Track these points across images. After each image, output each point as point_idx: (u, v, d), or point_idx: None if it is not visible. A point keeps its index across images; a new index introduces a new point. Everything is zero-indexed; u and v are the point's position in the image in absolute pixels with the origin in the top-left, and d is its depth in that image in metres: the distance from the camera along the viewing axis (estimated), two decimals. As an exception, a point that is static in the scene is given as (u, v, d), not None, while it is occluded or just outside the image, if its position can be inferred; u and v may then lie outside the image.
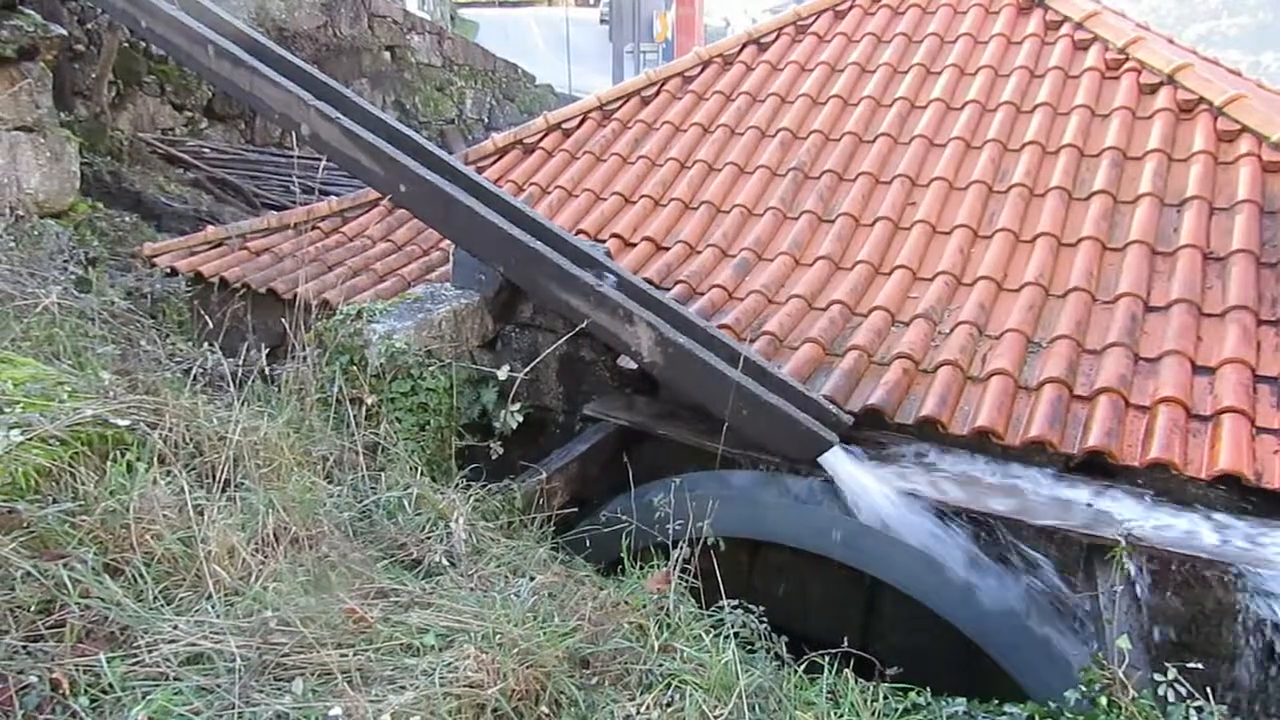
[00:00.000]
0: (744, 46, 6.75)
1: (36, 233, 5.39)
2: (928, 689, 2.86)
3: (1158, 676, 2.84)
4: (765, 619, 2.98)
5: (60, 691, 2.13)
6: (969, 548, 3.65)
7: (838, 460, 3.85)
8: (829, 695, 2.71)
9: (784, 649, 2.91)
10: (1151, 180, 4.80)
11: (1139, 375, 3.95)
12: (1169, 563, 3.54)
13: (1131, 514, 3.56)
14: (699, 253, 5.26)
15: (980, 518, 3.69)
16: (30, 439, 2.55)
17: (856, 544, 3.82)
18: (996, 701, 2.93)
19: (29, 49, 5.71)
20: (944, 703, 2.84)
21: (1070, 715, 2.80)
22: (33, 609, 2.29)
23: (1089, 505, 3.63)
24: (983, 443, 3.91)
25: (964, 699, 2.86)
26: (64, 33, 6.19)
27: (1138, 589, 3.43)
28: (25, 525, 2.41)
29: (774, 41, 6.73)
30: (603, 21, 25.02)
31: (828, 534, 3.86)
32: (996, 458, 3.90)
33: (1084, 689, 2.84)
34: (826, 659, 2.81)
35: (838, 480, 3.85)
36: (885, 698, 2.74)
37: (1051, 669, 3.40)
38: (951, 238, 4.89)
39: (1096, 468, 3.77)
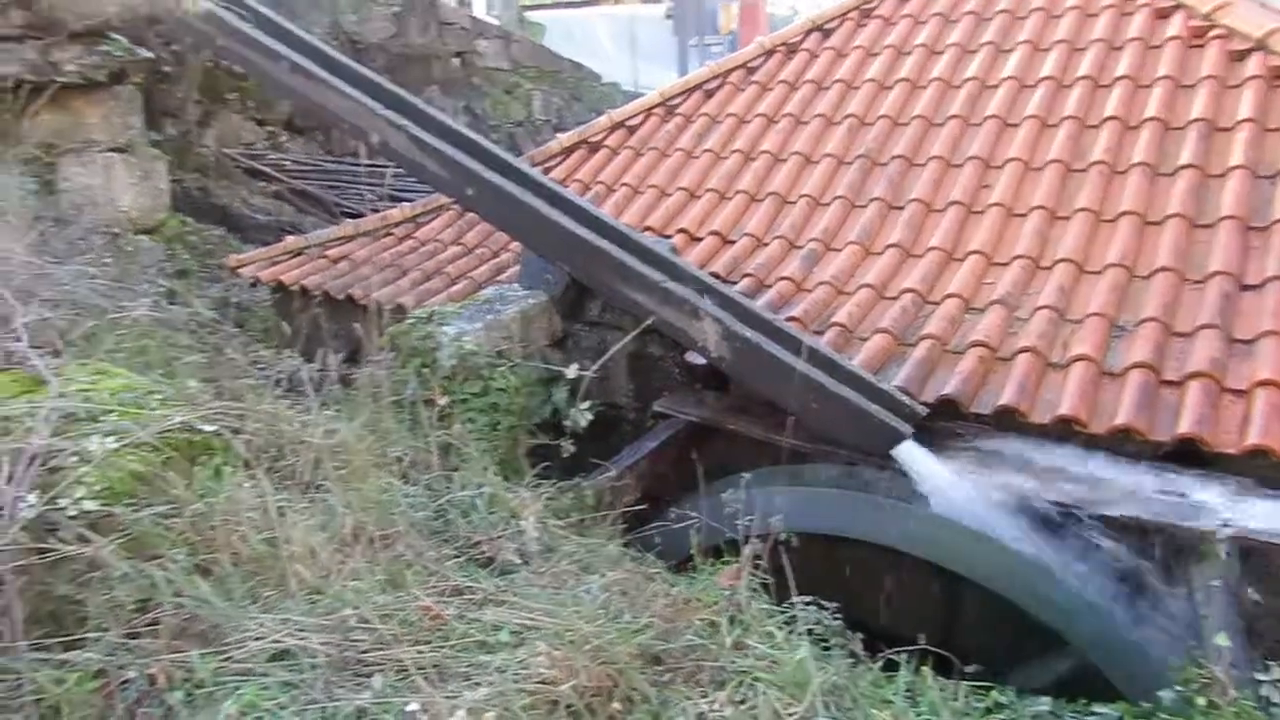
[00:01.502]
0: (807, 34, 6.65)
1: (130, 248, 5.66)
2: (1011, 687, 2.78)
3: (1260, 676, 2.70)
4: (839, 615, 2.94)
5: (157, 686, 2.24)
6: (1053, 540, 3.53)
7: (912, 452, 3.77)
8: (907, 693, 2.66)
9: (859, 646, 2.86)
10: (1243, 152, 4.55)
11: (1234, 358, 3.76)
12: (1270, 555, 3.36)
13: (1228, 504, 3.39)
14: (766, 245, 5.21)
15: (1064, 509, 3.56)
16: (125, 445, 2.67)
17: (933, 538, 3.74)
18: (1084, 701, 2.84)
19: (119, 73, 5.99)
20: (1028, 702, 2.76)
21: (1165, 716, 2.69)
22: (130, 607, 2.41)
23: (1182, 496, 3.47)
24: (1065, 432, 3.78)
25: (1049, 698, 2.77)
26: (151, 56, 6.48)
27: (1236, 583, 3.27)
28: (122, 528, 2.53)
29: (838, 27, 6.61)
30: (668, 17, 24.94)
31: (903, 528, 3.79)
32: (1080, 447, 3.76)
33: (1179, 688, 2.72)
34: (903, 656, 2.75)
35: (912, 472, 3.77)
36: (965, 696, 2.68)
37: (1144, 667, 3.27)
38: (1028, 220, 4.73)
39: (1189, 456, 3.60)
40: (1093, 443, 3.74)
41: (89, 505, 2.48)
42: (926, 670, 2.73)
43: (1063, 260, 4.43)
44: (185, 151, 9.11)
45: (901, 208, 5.12)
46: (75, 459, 2.58)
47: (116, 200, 6.07)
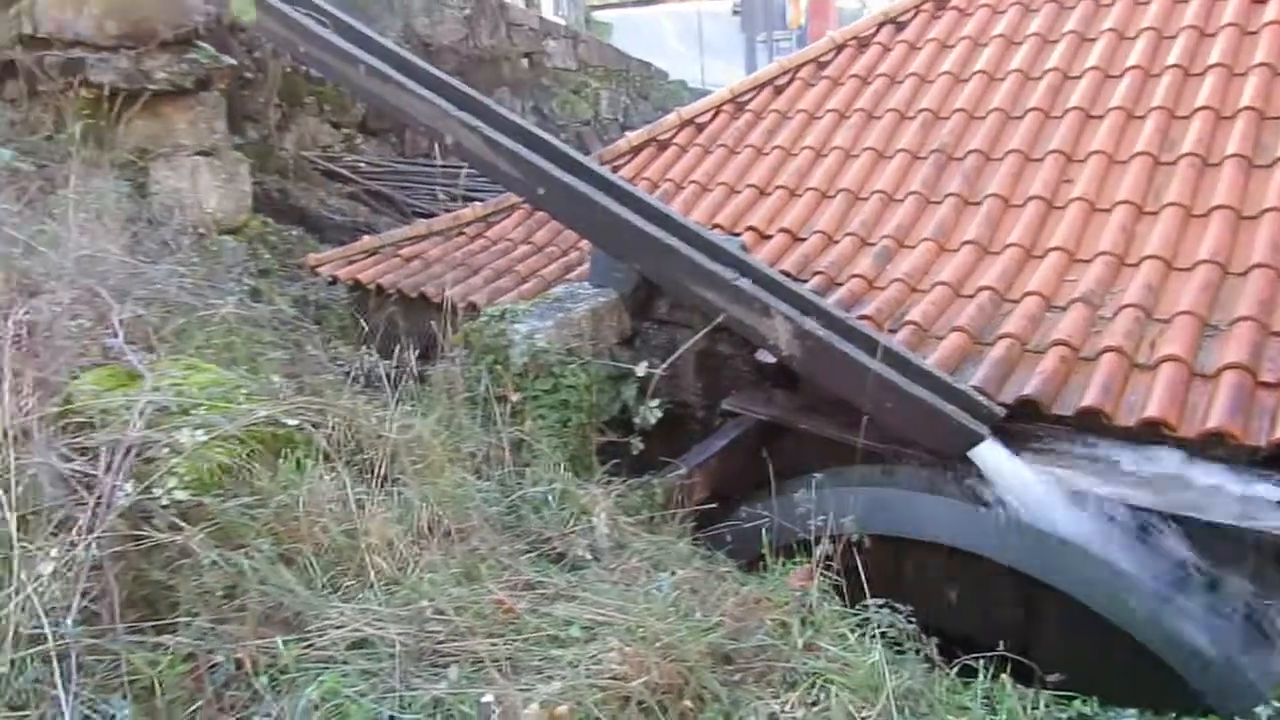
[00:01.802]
0: (880, 27, 6.53)
1: (215, 248, 5.86)
2: (1094, 698, 2.69)
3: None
4: (914, 619, 2.88)
5: (243, 670, 2.32)
6: (1138, 547, 3.41)
7: (990, 454, 3.68)
8: (984, 700, 2.60)
9: (934, 651, 2.81)
10: (1349, 142, 4.33)
11: (1337, 359, 3.58)
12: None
13: (1331, 512, 3.22)
14: (837, 242, 5.14)
15: (1149, 514, 3.44)
16: (213, 438, 2.77)
17: (1011, 542, 3.64)
18: (1174, 715, 2.73)
19: (205, 79, 6.21)
20: (1113, 713, 2.67)
21: (1260, 732, 2.57)
22: (219, 594, 2.50)
23: (1278, 503, 3.31)
24: (1152, 435, 3.64)
25: (1134, 710, 2.68)
26: (234, 62, 6.71)
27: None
28: (211, 517, 2.62)
29: (912, 19, 6.47)
30: (735, 13, 24.81)
31: (980, 531, 3.70)
32: (1168, 451, 3.62)
33: (1277, 705, 2.59)
34: (981, 662, 2.69)
35: (990, 475, 3.68)
36: (1046, 705, 2.60)
37: (1239, 682, 3.13)
38: (1113, 215, 4.57)
39: (1287, 461, 3.44)
40: (1182, 446, 3.60)
41: (180, 495, 2.59)
42: (1005, 678, 2.66)
43: (1150, 257, 4.27)
44: (266, 154, 9.40)
45: (978, 203, 4.99)
46: (167, 450, 2.68)
47: (203, 202, 6.29)
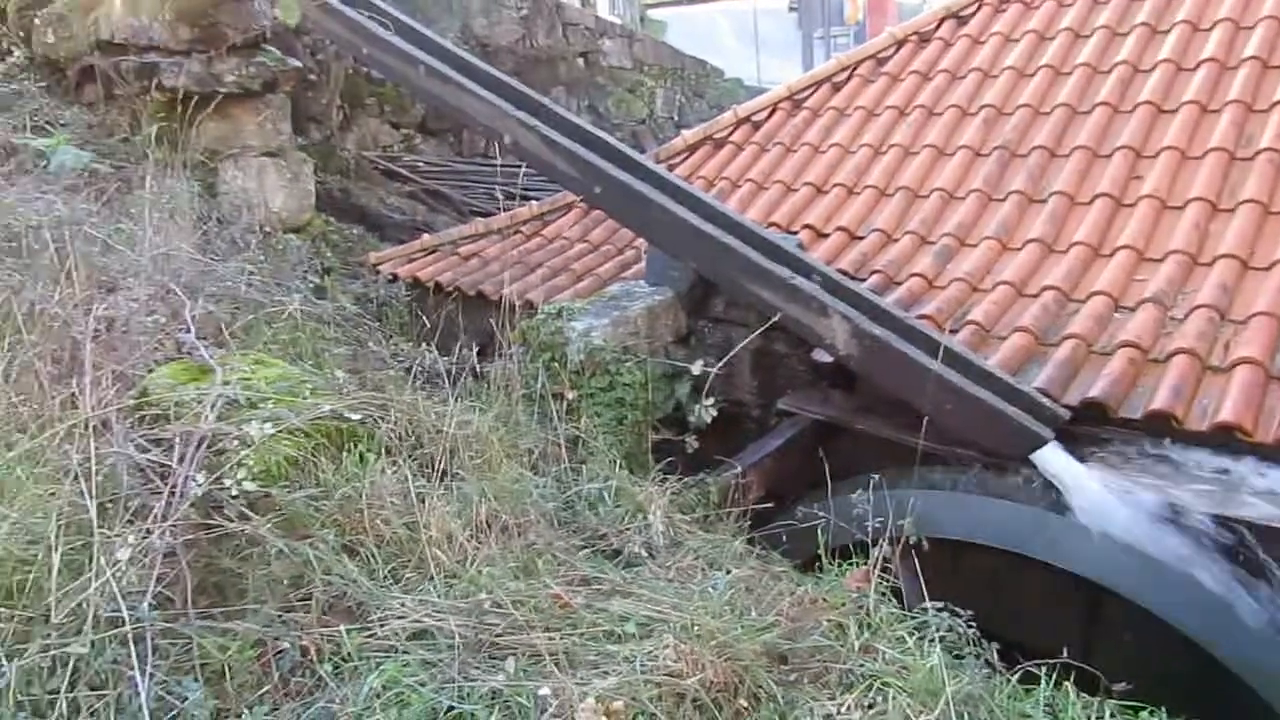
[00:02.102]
0: (941, 22, 6.43)
1: (280, 246, 6.01)
2: (1162, 709, 2.62)
3: None
4: (973, 624, 2.84)
5: (309, 658, 2.38)
6: (1211, 555, 3.30)
7: (1053, 457, 3.60)
8: (1046, 708, 2.54)
9: (995, 656, 2.76)
10: None
11: None
12: None
13: None
14: (896, 241, 5.07)
15: (1226, 523, 3.32)
16: (280, 431, 2.85)
17: (1076, 548, 3.56)
18: (1246, 727, 2.64)
19: (271, 82, 6.36)
20: (1182, 725, 2.60)
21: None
22: (285, 582, 2.57)
23: (1362, 512, 3.18)
24: (1225, 440, 3.52)
25: (1205, 722, 2.60)
26: (299, 65, 6.86)
27: None
28: (278, 508, 2.70)
29: (975, 13, 6.36)
30: (791, 9, 24.58)
31: (1042, 536, 3.62)
32: (1242, 456, 3.50)
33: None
34: (1043, 669, 2.63)
35: (1053, 478, 3.60)
36: (1111, 715, 2.54)
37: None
38: (1185, 213, 4.43)
39: (1371, 469, 3.30)
40: (1257, 452, 3.48)
41: (249, 486, 2.67)
42: (1068, 686, 2.60)
43: (1225, 256, 4.13)
44: (329, 155, 9.60)
45: (1043, 201, 4.88)
46: (237, 442, 2.77)
47: (269, 201, 6.45)
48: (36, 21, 6.22)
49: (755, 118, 6.46)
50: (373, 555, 2.71)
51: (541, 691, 2.23)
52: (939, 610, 2.85)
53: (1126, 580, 3.47)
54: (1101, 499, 3.45)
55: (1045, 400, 3.73)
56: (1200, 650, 3.35)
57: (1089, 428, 3.78)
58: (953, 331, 4.24)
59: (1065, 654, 2.70)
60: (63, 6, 6.18)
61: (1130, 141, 4.90)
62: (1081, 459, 3.63)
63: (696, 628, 2.50)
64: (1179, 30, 5.39)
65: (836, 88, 6.38)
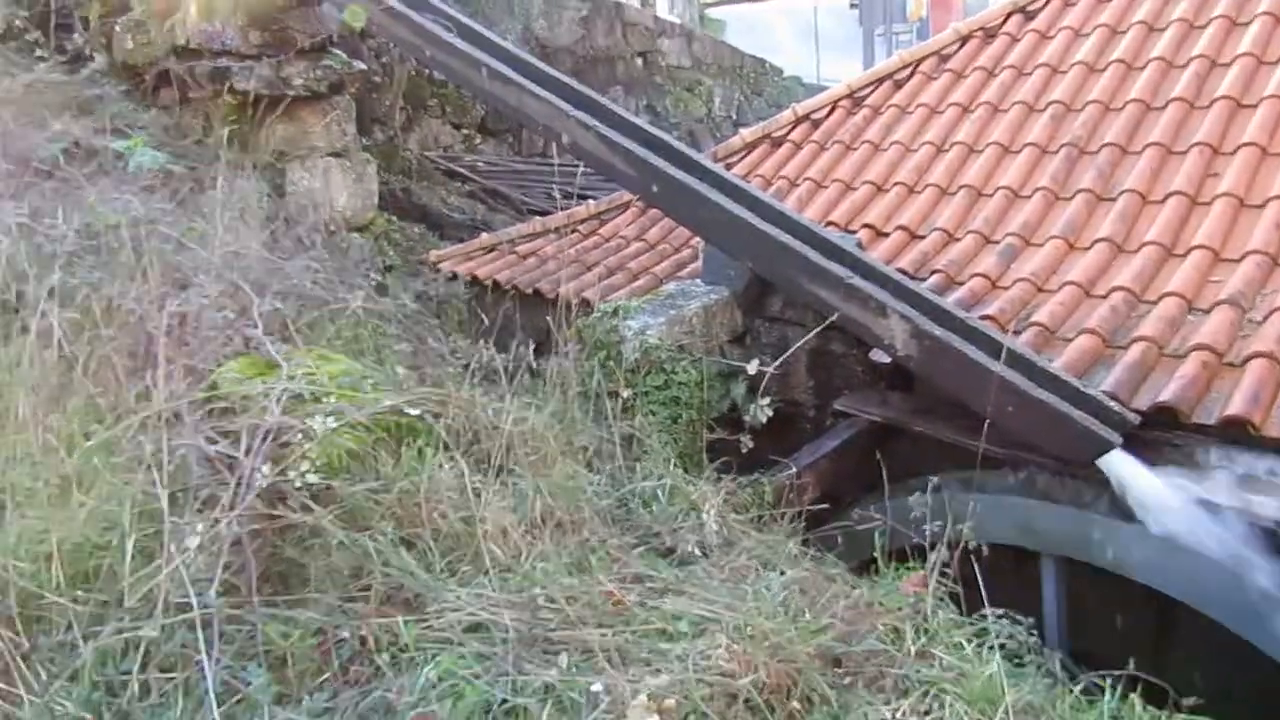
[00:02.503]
0: (1008, 16, 6.28)
1: (344, 245, 6.16)
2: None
3: None
4: (1035, 631, 2.77)
5: (367, 647, 2.43)
6: (1288, 567, 3.17)
7: (1121, 463, 3.49)
8: (1111, 721, 2.47)
9: (1057, 665, 2.69)
10: None
11: None
12: None
13: None
14: (958, 240, 4.97)
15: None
16: (342, 425, 2.92)
17: (1144, 557, 3.45)
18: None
19: (337, 84, 6.52)
20: (1254, 742, 2.50)
21: None
22: (345, 573, 2.63)
23: None
24: (1307, 448, 3.38)
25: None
26: (364, 67, 7.02)
27: None
28: (339, 500, 2.76)
29: (1043, 8, 6.20)
30: (852, 6, 24.27)
31: (1109, 544, 3.52)
32: (1326, 466, 3.36)
33: None
34: (1108, 681, 2.56)
35: (1121, 485, 3.49)
36: (1180, 730, 2.46)
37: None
38: (1265, 212, 4.26)
39: None
40: (1341, 461, 3.33)
41: (312, 478, 2.74)
42: (1135, 698, 2.53)
43: (1308, 256, 3.96)
44: (391, 155, 9.80)
45: (1113, 199, 4.74)
46: (301, 435, 2.84)
47: (334, 201, 6.61)
48: (117, 28, 6.47)
49: (814, 116, 6.40)
50: (430, 548, 2.76)
51: (594, 687, 2.25)
52: (999, 617, 2.79)
53: (1197, 591, 3.35)
54: (1172, 506, 3.34)
55: (1113, 404, 3.62)
56: (1276, 666, 3.22)
57: (1159, 433, 3.65)
58: (1016, 333, 4.14)
59: (1132, 665, 2.62)
60: (141, 14, 6.41)
61: (1207, 138, 4.72)
62: (1151, 465, 3.51)
63: (750, 628, 2.48)
64: (1260, 22, 5.18)
65: (898, 85, 6.28)
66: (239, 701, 2.26)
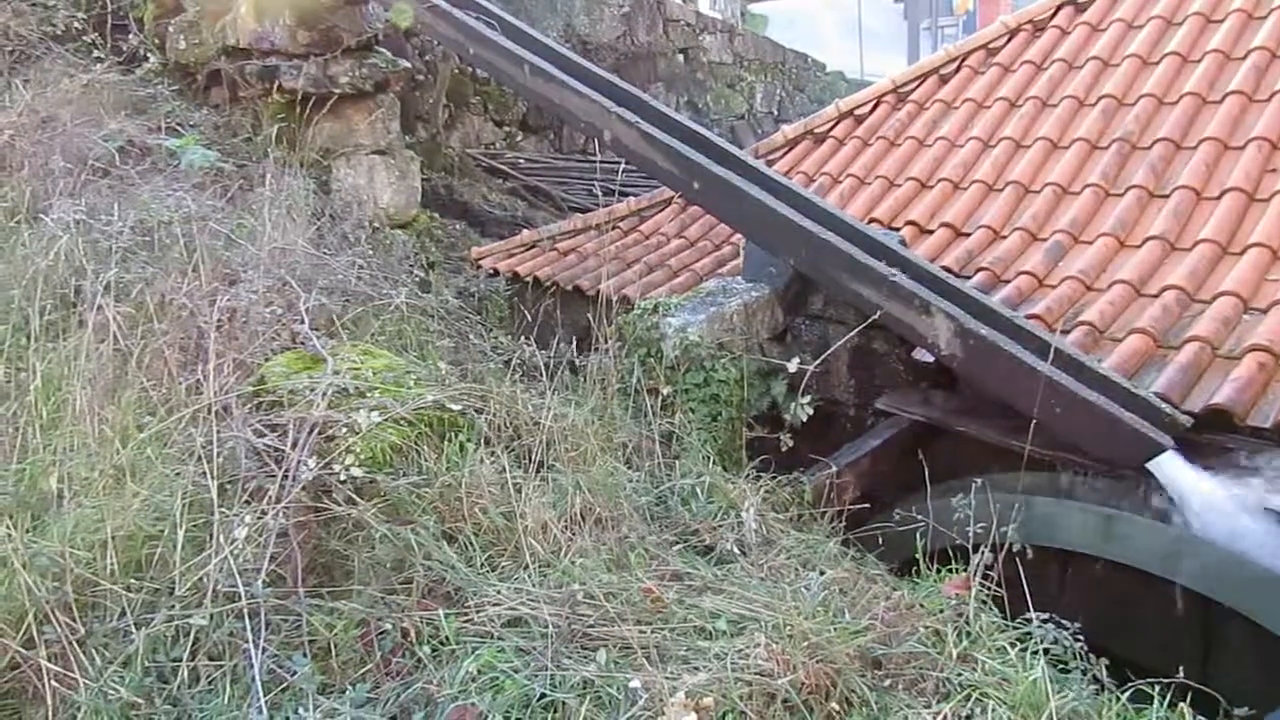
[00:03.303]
0: (1058, 9, 6.16)
1: (388, 241, 6.24)
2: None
3: None
4: (1080, 637, 2.72)
5: (409, 639, 2.47)
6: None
7: (1172, 466, 3.41)
8: (1159, 730, 2.42)
9: (1104, 672, 2.64)
10: None
11: None
12: None
13: None
14: (1004, 237, 4.89)
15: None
16: (385, 419, 2.96)
17: (1194, 563, 3.37)
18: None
19: (382, 83, 6.60)
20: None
21: None
22: (388, 565, 2.67)
23: None
24: (1369, 453, 3.27)
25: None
26: (409, 66, 7.09)
27: None
28: (383, 494, 2.80)
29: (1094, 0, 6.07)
30: (897, 0, 23.99)
31: (1158, 549, 3.44)
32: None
33: None
34: (1156, 689, 2.50)
35: (1171, 489, 3.41)
36: (1231, 740, 2.40)
37: None
38: (1327, 209, 4.13)
39: None
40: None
41: (356, 472, 2.78)
42: (1183, 707, 2.47)
43: (1371, 254, 3.83)
44: (434, 152, 9.90)
45: (1166, 196, 4.63)
46: (346, 430, 2.89)
47: (378, 198, 6.70)
48: (170, 29, 6.63)
49: (858, 112, 6.34)
50: (471, 542, 2.78)
51: (632, 684, 2.25)
52: (1044, 621, 2.74)
53: (1249, 599, 3.26)
54: (1224, 511, 3.26)
55: (1164, 406, 3.54)
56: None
57: (1213, 436, 3.56)
58: (1064, 332, 4.06)
59: (1181, 674, 2.56)
60: (193, 14, 6.56)
61: (1265, 133, 4.59)
62: (1203, 469, 3.43)
63: (788, 627, 2.47)
64: (1324, 12, 5.02)
65: (944, 80, 6.19)
66: (284, 690, 2.31)
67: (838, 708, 2.33)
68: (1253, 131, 4.64)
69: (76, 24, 6.49)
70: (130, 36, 6.71)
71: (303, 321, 3.56)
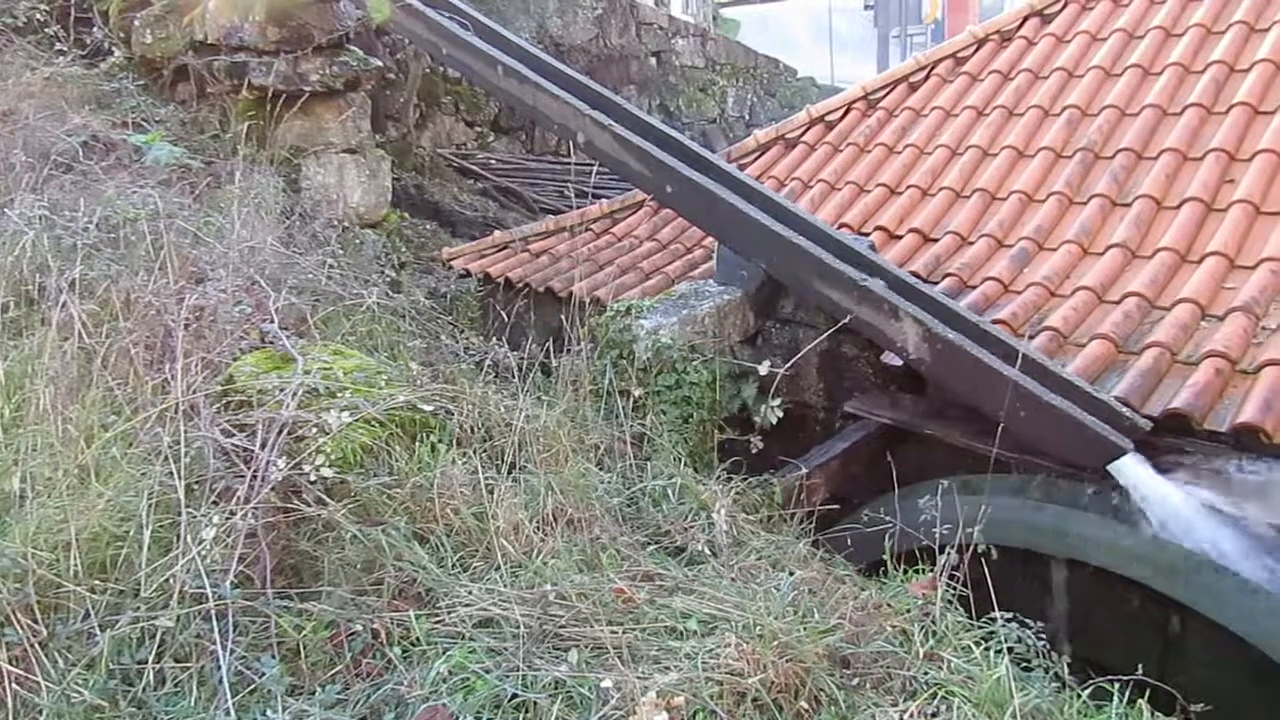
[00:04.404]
0: (1025, 20, 6.27)
1: (358, 241, 6.18)
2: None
3: None
4: (1043, 636, 2.77)
5: (379, 640, 2.45)
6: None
7: (1132, 469, 3.49)
8: (1118, 726, 2.48)
9: (1065, 670, 2.69)
10: None
11: None
12: None
13: None
14: (971, 244, 4.97)
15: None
16: (356, 420, 2.95)
17: (1154, 562, 3.44)
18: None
19: (353, 81, 6.55)
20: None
21: None
22: (358, 567, 2.65)
23: None
24: (1320, 456, 3.37)
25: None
26: (380, 64, 7.04)
27: None
28: (353, 494, 2.79)
29: (1060, 11, 6.19)
30: (867, 7, 24.24)
31: (1119, 549, 3.51)
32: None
33: None
34: (1116, 686, 2.56)
35: (1132, 491, 3.49)
36: (1188, 736, 2.46)
37: None
38: (1281, 219, 4.25)
39: None
40: (1354, 470, 3.32)
41: (326, 472, 2.76)
42: (1142, 704, 2.53)
43: (1323, 264, 3.95)
44: (405, 152, 9.83)
45: (1127, 205, 4.73)
46: (316, 430, 2.87)
47: (348, 197, 6.64)
48: (136, 23, 6.52)
49: (829, 118, 6.41)
50: (442, 543, 2.78)
51: (604, 684, 2.26)
52: (1008, 620, 2.79)
53: (1206, 598, 3.34)
54: (1183, 512, 3.34)
55: (1125, 410, 3.62)
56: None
57: (1171, 439, 3.65)
58: (1029, 337, 4.13)
59: (1140, 671, 2.62)
60: (160, 8, 6.46)
61: (1223, 144, 4.71)
62: (1163, 471, 3.51)
63: (758, 627, 2.50)
64: (1279, 30, 5.15)
65: (913, 87, 6.28)
66: (252, 692, 2.29)
67: (807, 706, 2.36)
68: (1211, 143, 4.76)
69: (39, 16, 6.37)
70: (94, 30, 6.59)
71: (272, 321, 3.53)
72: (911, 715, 2.35)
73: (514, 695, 2.25)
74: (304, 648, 2.42)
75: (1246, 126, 4.78)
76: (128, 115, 5.71)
